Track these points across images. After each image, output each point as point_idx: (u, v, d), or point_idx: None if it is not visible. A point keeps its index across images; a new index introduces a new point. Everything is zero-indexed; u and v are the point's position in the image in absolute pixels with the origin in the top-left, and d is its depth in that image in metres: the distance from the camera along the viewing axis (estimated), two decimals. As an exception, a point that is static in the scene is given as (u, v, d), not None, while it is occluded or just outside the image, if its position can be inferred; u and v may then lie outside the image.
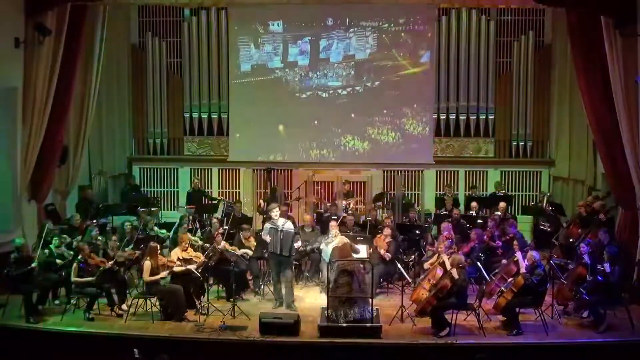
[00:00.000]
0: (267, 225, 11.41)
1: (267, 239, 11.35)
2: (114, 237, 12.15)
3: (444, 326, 10.30)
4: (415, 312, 10.63)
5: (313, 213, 14.80)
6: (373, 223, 13.84)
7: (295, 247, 11.45)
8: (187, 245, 11.56)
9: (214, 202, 15.99)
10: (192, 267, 11.26)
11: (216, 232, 12.49)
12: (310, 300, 12.06)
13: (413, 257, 12.68)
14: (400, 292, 11.38)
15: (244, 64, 16.71)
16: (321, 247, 11.42)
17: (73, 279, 11.01)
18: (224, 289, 12.28)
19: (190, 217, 14.10)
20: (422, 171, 16.91)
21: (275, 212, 11.36)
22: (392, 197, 16.03)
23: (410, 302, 10.94)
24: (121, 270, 11.53)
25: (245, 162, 17.06)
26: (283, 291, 11.53)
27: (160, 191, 17.34)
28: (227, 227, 12.98)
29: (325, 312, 10.33)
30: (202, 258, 11.49)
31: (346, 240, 11.01)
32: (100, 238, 12.05)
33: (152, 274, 10.96)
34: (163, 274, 11.07)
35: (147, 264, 10.81)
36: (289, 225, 11.43)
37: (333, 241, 10.90)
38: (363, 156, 16.71)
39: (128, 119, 17.21)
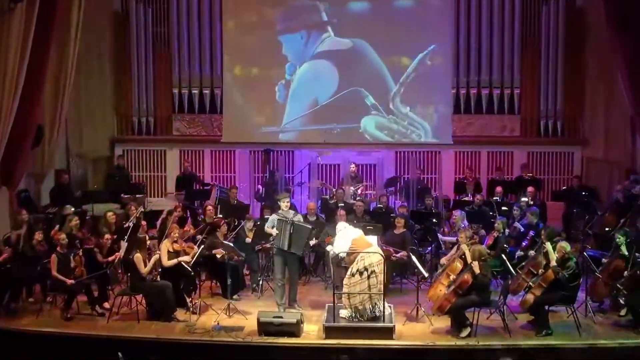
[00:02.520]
0: (274, 216, 11.29)
1: (273, 232, 11.20)
2: (105, 233, 12.20)
3: (465, 326, 10.27)
4: (432, 310, 10.60)
5: (317, 200, 14.90)
6: (384, 210, 13.84)
7: (310, 244, 11.55)
8: (177, 236, 11.51)
9: (206, 187, 16.06)
10: (186, 259, 11.22)
11: (217, 220, 12.56)
12: (314, 297, 12.06)
13: (429, 248, 12.66)
14: (415, 287, 11.39)
15: (239, 30, 16.73)
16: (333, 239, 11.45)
17: (53, 274, 10.98)
18: (218, 284, 12.30)
19: (180, 205, 14.09)
20: (439, 152, 16.97)
21: (286, 202, 11.29)
22: (405, 182, 16.10)
23: (426, 299, 10.93)
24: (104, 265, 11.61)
25: (241, 142, 17.15)
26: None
27: (146, 175, 17.42)
28: (221, 216, 13.03)
29: (332, 310, 10.23)
30: (195, 249, 11.49)
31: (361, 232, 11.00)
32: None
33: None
34: (185, 258, 11.06)
35: (138, 256, 10.80)
36: (298, 218, 11.37)
37: (347, 234, 10.79)
38: (372, 134, 16.83)
39: (110, 95, 17.27)
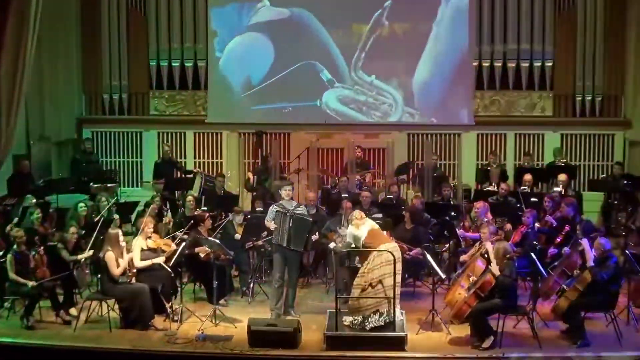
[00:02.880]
0: (274, 207, 11.36)
1: (272, 226, 11.26)
2: (72, 227, 12.11)
3: (487, 335, 10.25)
4: (450, 317, 10.57)
5: (318, 190, 14.90)
6: (394, 202, 13.86)
7: (312, 239, 11.56)
8: (151, 231, 11.54)
9: (188, 175, 16.09)
10: (159, 260, 11.25)
11: (200, 213, 12.57)
12: (314, 302, 12.11)
13: (447, 246, 12.70)
14: (430, 291, 11.40)
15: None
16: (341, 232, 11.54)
17: (11, 275, 10.99)
18: (202, 287, 12.32)
19: (159, 195, 14.16)
20: (459, 134, 17.04)
21: (287, 191, 11.37)
22: (419, 169, 16.12)
23: (443, 304, 10.96)
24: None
25: (229, 123, 17.23)
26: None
27: (120, 162, 17.48)
28: (206, 208, 13.08)
29: (335, 317, 10.27)
30: (173, 247, 11.45)
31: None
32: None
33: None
34: (158, 259, 11.10)
35: (110, 255, 10.82)
36: (302, 210, 11.42)
37: (360, 227, 10.78)
38: (382, 114, 16.85)
39: (77, 69, 17.30)
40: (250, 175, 15.61)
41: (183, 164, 16.89)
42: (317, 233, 11.77)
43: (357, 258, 11.45)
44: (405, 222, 12.61)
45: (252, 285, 12.35)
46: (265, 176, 15.34)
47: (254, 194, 14.79)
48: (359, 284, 10.40)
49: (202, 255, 11.66)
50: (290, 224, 11.07)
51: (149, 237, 11.47)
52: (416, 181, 15.64)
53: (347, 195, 13.77)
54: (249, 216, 12.80)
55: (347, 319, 10.47)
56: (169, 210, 13.72)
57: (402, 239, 12.14)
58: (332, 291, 11.44)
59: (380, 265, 10.30)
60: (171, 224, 12.79)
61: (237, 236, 12.46)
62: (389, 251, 10.25)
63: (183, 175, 16.14)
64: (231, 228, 12.67)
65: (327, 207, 14.03)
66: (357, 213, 10.89)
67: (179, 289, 11.48)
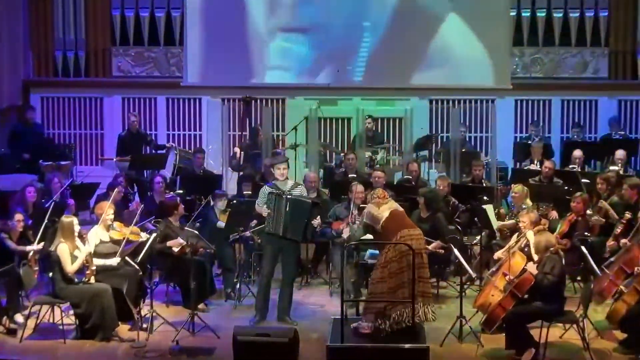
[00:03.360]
0: (265, 189, 11.36)
1: (264, 211, 11.27)
2: (17, 214, 11.99)
3: (527, 346, 10.17)
4: (481, 324, 10.58)
5: (319, 169, 14.92)
6: (413, 184, 13.83)
7: (314, 225, 11.63)
8: (111, 217, 11.52)
9: (160, 151, 16.12)
10: (112, 262, 11.17)
11: (172, 197, 12.60)
12: (314, 306, 12.11)
13: (478, 238, 12.70)
14: (457, 293, 11.37)
15: None
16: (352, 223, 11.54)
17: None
18: (177, 288, 12.31)
19: (124, 176, 14.11)
20: (492, 101, 17.04)
21: (282, 169, 11.31)
22: (444, 143, 16.12)
23: (473, 309, 10.94)
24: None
25: (210, 87, 17.29)
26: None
27: (75, 134, 17.52)
28: (182, 191, 13.13)
29: (340, 325, 10.09)
30: (141, 237, 11.47)
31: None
32: None
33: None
34: (111, 261, 11.09)
35: (63, 248, 10.77)
36: (300, 191, 11.41)
37: (382, 206, 10.63)
38: (397, 76, 16.80)
39: (22, 21, 17.26)
40: (236, 150, 15.54)
41: (153, 138, 16.82)
42: (318, 217, 11.70)
43: (367, 253, 11.54)
44: (421, 209, 12.54)
45: (238, 286, 12.28)
46: (255, 152, 15.30)
47: (241, 173, 14.76)
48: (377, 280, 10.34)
49: (175, 249, 11.67)
50: (287, 208, 11.06)
51: (111, 226, 11.48)
52: (440, 158, 15.62)
53: (354, 175, 13.75)
54: (235, 201, 12.75)
55: (365, 325, 10.37)
56: (137, 194, 13.75)
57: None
58: (337, 294, 11.42)
59: (400, 257, 10.22)
60: (140, 211, 12.59)
61: (221, 224, 12.45)
62: (405, 243, 10.13)
63: (153, 151, 16.09)
64: (213, 216, 12.66)
65: (330, 191, 14.03)
66: (380, 191, 10.90)
67: (149, 290, 11.38)
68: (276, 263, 11.32)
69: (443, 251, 11.98)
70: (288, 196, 11.11)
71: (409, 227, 10.42)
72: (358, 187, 12.26)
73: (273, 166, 11.51)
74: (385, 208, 10.54)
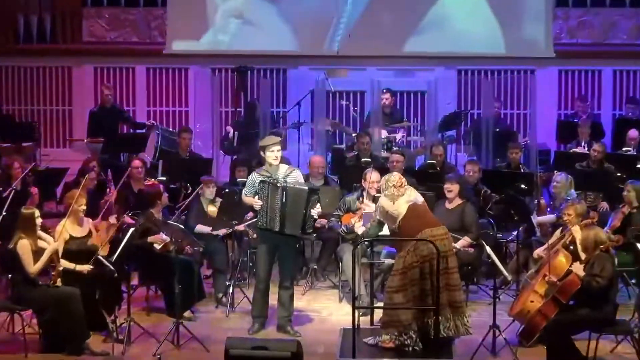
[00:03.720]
0: (255, 176, 11.32)
1: (256, 202, 11.20)
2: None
3: (572, 361, 10.33)
4: (519, 335, 10.64)
5: (327, 152, 14.87)
6: (438, 169, 13.81)
7: (314, 216, 11.43)
8: (83, 209, 11.41)
9: (139, 131, 16.10)
10: (84, 268, 11.10)
11: (153, 185, 12.52)
12: (321, 314, 12.11)
13: (515, 233, 12.65)
14: (490, 299, 11.35)
15: None
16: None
17: None
18: (159, 293, 12.34)
19: (96, 160, 14.12)
20: (532, 71, 17.02)
21: (275, 153, 11.26)
22: (475, 122, 16.14)
23: (509, 317, 10.95)
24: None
25: (198, 55, 17.37)
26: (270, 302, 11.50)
27: (39, 111, 17.60)
28: (165, 178, 13.18)
29: (352, 336, 10.01)
30: (112, 231, 11.50)
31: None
32: None
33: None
34: (83, 267, 11.02)
35: (23, 244, 10.69)
36: (296, 177, 11.36)
37: (398, 199, 10.35)
38: (419, 41, 16.95)
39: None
40: (229, 130, 15.56)
41: (131, 115, 16.89)
42: (318, 205, 11.48)
43: (383, 252, 11.55)
44: (449, 198, 12.48)
45: (231, 290, 12.21)
46: (252, 132, 15.22)
47: (235, 157, 14.76)
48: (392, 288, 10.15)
49: (157, 246, 11.69)
50: (284, 199, 10.99)
51: (80, 219, 11.44)
52: (470, 139, 15.64)
53: (369, 160, 13.72)
54: (227, 190, 12.72)
55: (387, 338, 10.14)
56: (112, 182, 13.65)
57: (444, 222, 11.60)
58: (347, 299, 11.40)
59: (422, 262, 10.01)
60: (115, 200, 12.61)
61: (201, 228, 12.46)
62: (429, 240, 9.90)
63: (131, 131, 16.13)
64: (200, 208, 12.71)
65: (340, 178, 14.01)
66: (395, 177, 10.47)
67: (126, 294, 11.31)
68: (273, 262, 11.32)
69: (472, 249, 11.94)
70: (284, 185, 11.05)
71: (432, 226, 10.14)
72: (373, 174, 11.95)
73: (264, 148, 11.34)
74: (402, 202, 10.24)
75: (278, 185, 11.04)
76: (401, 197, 10.19)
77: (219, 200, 12.75)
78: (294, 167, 11.79)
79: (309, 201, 11.24)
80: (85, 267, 11.12)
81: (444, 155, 14.59)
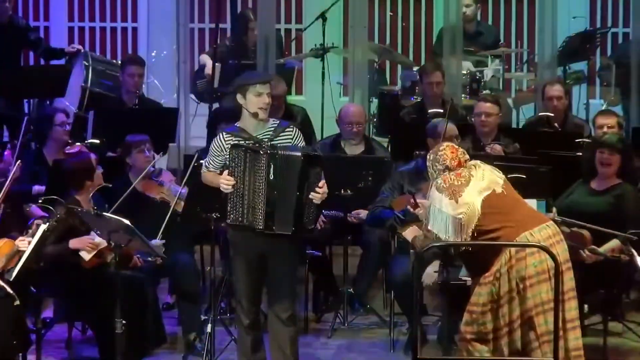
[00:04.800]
0: (223, 137, 9.26)
1: (225, 183, 9.05)
2: None
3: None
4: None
5: (370, 98, 13.47)
6: (556, 127, 11.88)
7: (314, 200, 9.32)
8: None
9: (55, 61, 14.07)
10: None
11: (79, 152, 10.99)
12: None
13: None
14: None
15: None
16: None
17: None
18: (90, 333, 10.67)
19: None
20: None
21: (261, 98, 9.16)
22: (616, 49, 15.02)
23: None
24: None
25: None
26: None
27: None
28: (98, 141, 11.40)
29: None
30: (20, 243, 9.43)
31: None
32: None
33: None
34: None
35: None
36: (291, 138, 9.45)
37: (463, 190, 8.37)
38: None
39: None
40: (205, 60, 13.68)
41: (42, 35, 15.36)
42: (322, 182, 9.33)
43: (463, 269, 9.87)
44: (600, 175, 10.45)
45: (209, 329, 9.93)
46: (242, 63, 13.36)
47: (216, 106, 13.37)
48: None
49: (86, 256, 9.80)
50: (271, 175, 8.92)
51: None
52: (611, 77, 14.05)
53: (440, 111, 11.50)
54: (202, 162, 10.25)
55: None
56: (9, 146, 11.46)
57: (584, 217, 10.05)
58: (404, 341, 9.80)
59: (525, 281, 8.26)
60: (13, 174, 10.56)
61: (156, 242, 10.48)
62: (542, 247, 8.06)
63: (42, 61, 14.50)
64: (164, 190, 11.02)
65: (392, 141, 12.26)
66: (445, 152, 8.64)
67: (34, 336, 9.85)
68: (258, 283, 9.32)
69: (626, 256, 9.99)
70: (270, 149, 8.91)
71: (533, 225, 8.24)
72: (448, 128, 10.05)
73: (243, 89, 9.14)
74: (469, 191, 8.26)
75: (261, 151, 8.92)
76: (465, 187, 8.45)
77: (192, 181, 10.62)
78: (292, 123, 9.77)
79: (306, 174, 9.11)
80: None
81: (567, 103, 12.38)
